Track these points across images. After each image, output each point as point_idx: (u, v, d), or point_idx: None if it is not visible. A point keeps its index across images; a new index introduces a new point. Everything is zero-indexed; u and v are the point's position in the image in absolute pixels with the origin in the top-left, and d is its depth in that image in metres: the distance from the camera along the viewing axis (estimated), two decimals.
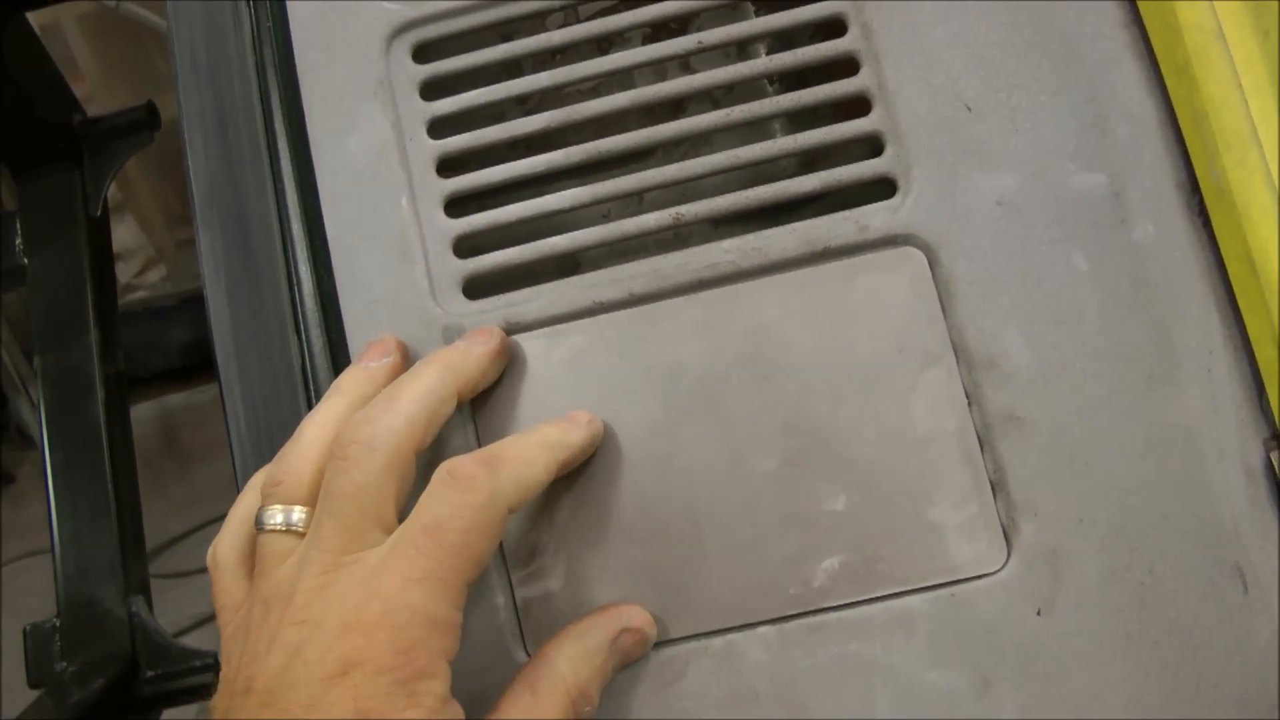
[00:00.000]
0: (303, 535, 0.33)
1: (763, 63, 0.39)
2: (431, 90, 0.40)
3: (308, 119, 0.40)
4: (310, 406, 0.40)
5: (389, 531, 0.32)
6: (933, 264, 0.37)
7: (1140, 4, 0.37)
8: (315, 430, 0.35)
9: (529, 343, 0.37)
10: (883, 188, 0.38)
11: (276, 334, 0.42)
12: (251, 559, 0.35)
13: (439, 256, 0.39)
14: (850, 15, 0.39)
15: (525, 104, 0.43)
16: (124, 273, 1.51)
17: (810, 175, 0.38)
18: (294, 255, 0.41)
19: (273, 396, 0.42)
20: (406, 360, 0.37)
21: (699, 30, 0.41)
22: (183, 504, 1.44)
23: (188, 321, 1.47)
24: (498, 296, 0.38)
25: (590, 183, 0.39)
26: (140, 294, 1.53)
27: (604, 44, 0.44)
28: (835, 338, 0.36)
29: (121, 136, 0.92)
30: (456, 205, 0.39)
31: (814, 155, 0.41)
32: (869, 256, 0.37)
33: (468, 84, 0.40)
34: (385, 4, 0.41)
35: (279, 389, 0.42)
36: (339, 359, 0.40)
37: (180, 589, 1.40)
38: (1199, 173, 0.36)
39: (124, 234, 1.52)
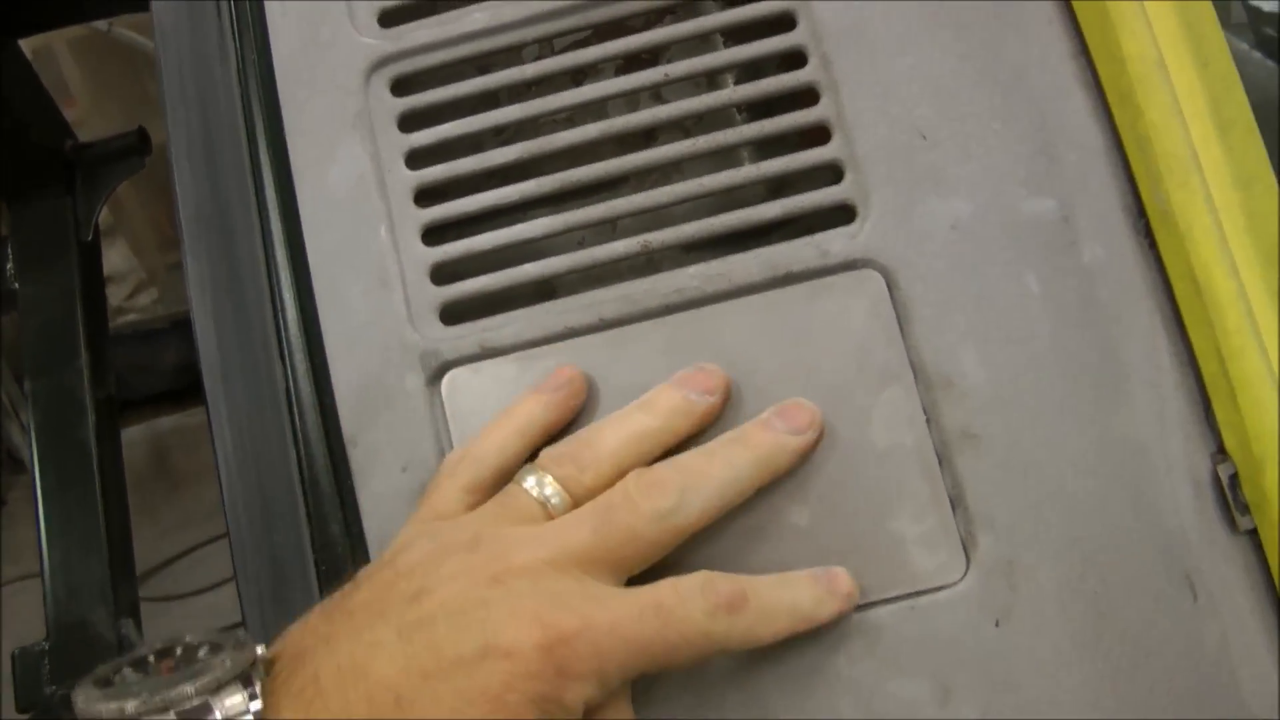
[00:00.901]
0: (551, 517, 0.35)
1: (728, 93, 0.41)
2: (410, 122, 0.42)
3: (290, 150, 0.42)
4: (295, 430, 0.42)
5: (618, 581, 0.34)
6: (891, 286, 0.38)
7: (1086, 35, 0.39)
8: (619, 442, 0.36)
9: (503, 367, 0.39)
10: (842, 213, 0.39)
11: (262, 358, 0.43)
12: (481, 488, 0.36)
13: (417, 284, 0.40)
14: (810, 47, 0.40)
15: (501, 134, 0.44)
16: (115, 295, 1.52)
17: (773, 203, 0.39)
18: (278, 282, 0.42)
19: (258, 418, 0.43)
20: (727, 399, 0.37)
21: (669, 62, 0.43)
22: (172, 527, 1.45)
23: (179, 344, 1.48)
24: (474, 322, 0.39)
25: (564, 210, 0.40)
26: (131, 317, 1.54)
27: (578, 75, 0.45)
28: (797, 358, 0.38)
29: (113, 162, 0.93)
30: (434, 234, 0.41)
31: (778, 182, 0.43)
32: (829, 280, 0.38)
33: (445, 116, 0.42)
34: (365, 39, 0.42)
35: (264, 411, 0.43)
36: (322, 382, 0.41)
37: (170, 613, 1.40)
38: (1144, 196, 0.38)
39: (115, 257, 1.53)
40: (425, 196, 0.41)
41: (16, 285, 0.92)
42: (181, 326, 1.54)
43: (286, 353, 0.42)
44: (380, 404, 0.39)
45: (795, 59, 0.41)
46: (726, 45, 0.44)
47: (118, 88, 1.54)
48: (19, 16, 0.84)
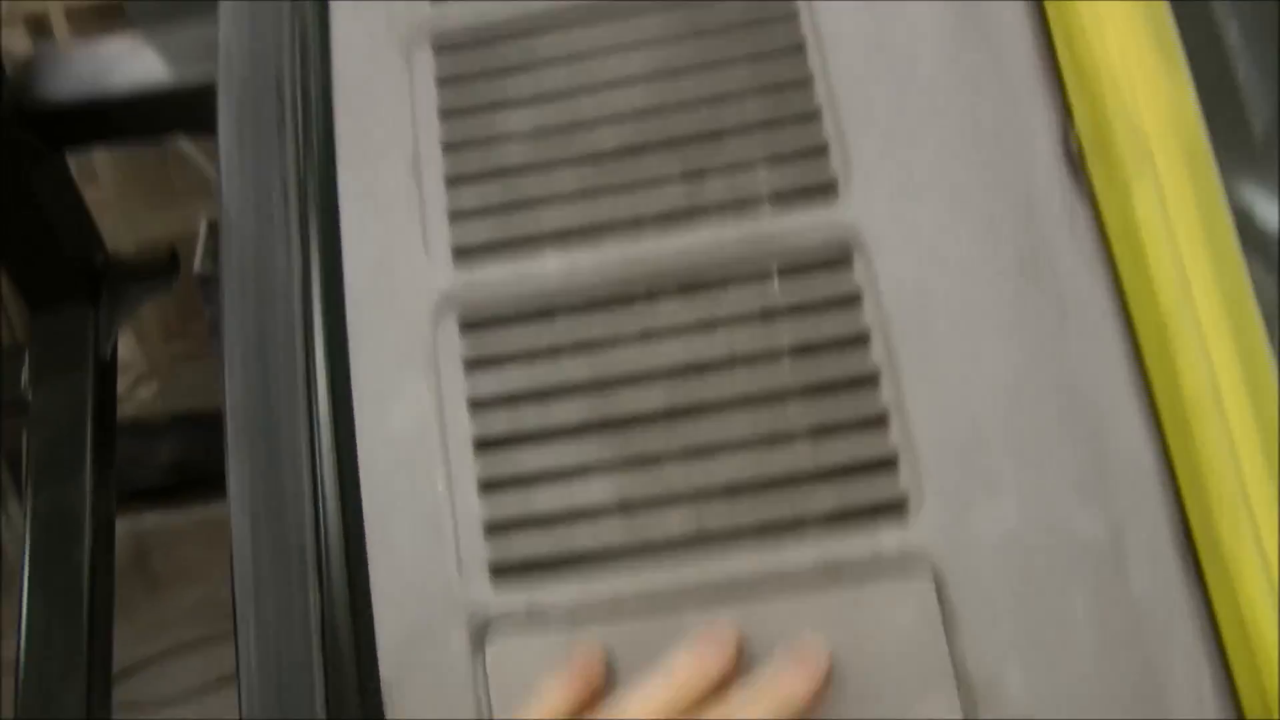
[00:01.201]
0: None
1: (790, 376, 0.41)
2: (475, 366, 0.42)
3: (353, 381, 0.42)
4: (326, 663, 0.41)
5: None
6: (940, 588, 0.38)
7: (1146, 358, 0.40)
8: (641, 713, 0.36)
9: (550, 642, 0.39)
10: (896, 506, 0.40)
11: (297, 577, 0.43)
12: None
13: (469, 537, 0.40)
14: (874, 331, 0.41)
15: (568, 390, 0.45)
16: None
17: (827, 491, 0.40)
18: (324, 506, 0.42)
19: (287, 642, 0.42)
20: (741, 654, 0.38)
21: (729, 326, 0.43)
22: (147, 629, 1.42)
23: (174, 442, 1.47)
24: (524, 583, 0.40)
25: (618, 474, 0.41)
26: (129, 410, 1.53)
27: (645, 336, 0.46)
28: (843, 655, 0.38)
29: (141, 280, 0.93)
30: (491, 486, 0.41)
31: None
32: (879, 578, 0.39)
33: (512, 362, 0.42)
34: (438, 273, 0.43)
35: (294, 635, 0.42)
36: (360, 619, 0.41)
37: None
38: (1194, 526, 0.38)
39: (119, 347, 1.53)
40: (485, 447, 0.41)
41: (30, 395, 0.91)
42: (179, 424, 1.53)
43: (325, 578, 0.42)
44: (422, 657, 0.39)
45: (860, 342, 0.41)
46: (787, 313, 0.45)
47: (144, 174, 1.55)
48: (70, 131, 0.85)
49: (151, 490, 1.50)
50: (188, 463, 1.53)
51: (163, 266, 0.95)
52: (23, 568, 0.87)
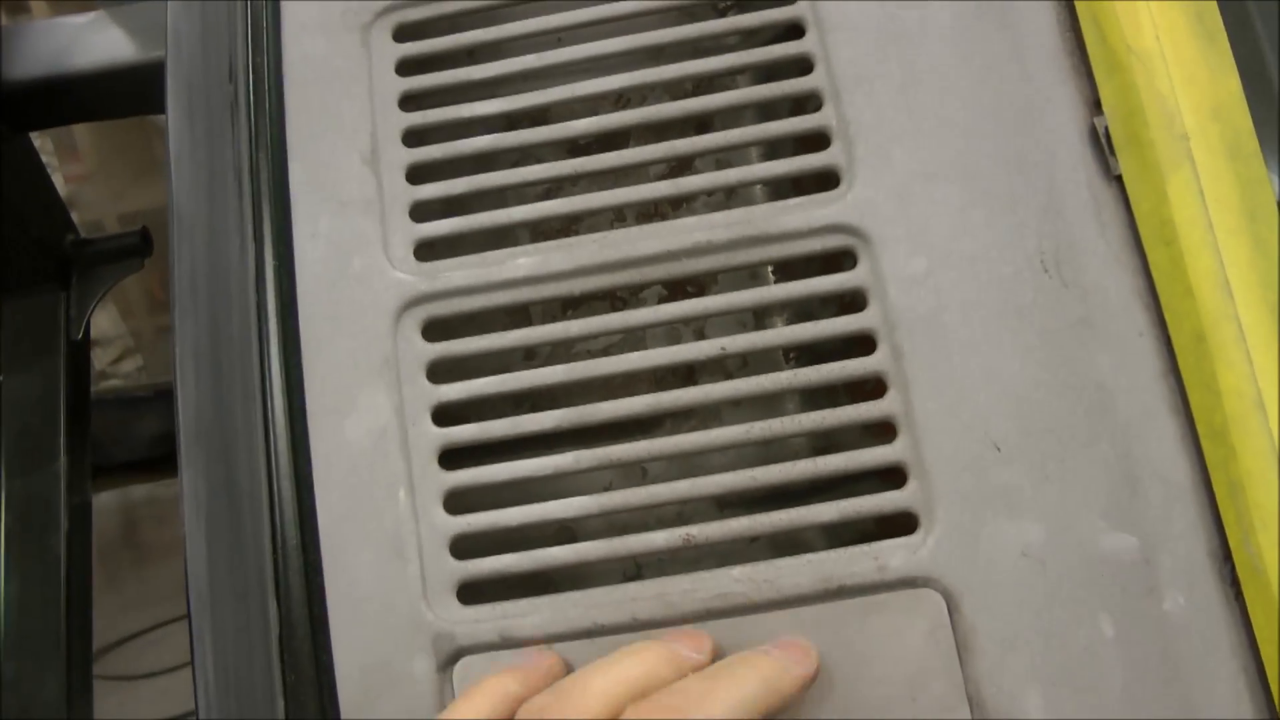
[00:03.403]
0: None
1: (788, 381, 0.38)
2: (439, 372, 0.39)
3: (307, 393, 0.39)
4: (285, 680, 0.38)
5: None
6: (952, 611, 0.35)
7: (1179, 357, 0.36)
8: (607, 682, 0.32)
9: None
10: (903, 522, 0.36)
11: (255, 593, 0.40)
12: None
13: (434, 556, 0.37)
14: (880, 333, 0.37)
15: (532, 358, 0.41)
16: (100, 360, 1.48)
17: (829, 504, 0.36)
18: (281, 522, 0.39)
19: (245, 659, 0.39)
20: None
21: (717, 292, 0.40)
22: (135, 602, 1.40)
23: (160, 413, 1.44)
24: (495, 605, 0.36)
25: (598, 485, 0.37)
26: (114, 383, 1.50)
27: (617, 302, 0.43)
28: (846, 680, 0.35)
29: (112, 261, 0.90)
30: (458, 500, 0.37)
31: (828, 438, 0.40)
32: (885, 596, 0.35)
33: (480, 365, 0.39)
34: (399, 275, 0.39)
35: (253, 653, 0.39)
36: (319, 637, 0.38)
37: (124, 692, 1.35)
38: (1232, 544, 0.35)
39: (103, 321, 1.50)
40: (451, 458, 0.38)
41: (1, 379, 0.88)
42: (164, 396, 1.50)
43: (284, 594, 0.39)
44: (384, 687, 0.36)
45: (864, 343, 0.38)
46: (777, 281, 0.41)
47: (125, 146, 1.51)
48: (31, 111, 0.81)
49: (138, 463, 1.47)
50: (174, 434, 1.50)
51: (134, 246, 0.91)
52: None
